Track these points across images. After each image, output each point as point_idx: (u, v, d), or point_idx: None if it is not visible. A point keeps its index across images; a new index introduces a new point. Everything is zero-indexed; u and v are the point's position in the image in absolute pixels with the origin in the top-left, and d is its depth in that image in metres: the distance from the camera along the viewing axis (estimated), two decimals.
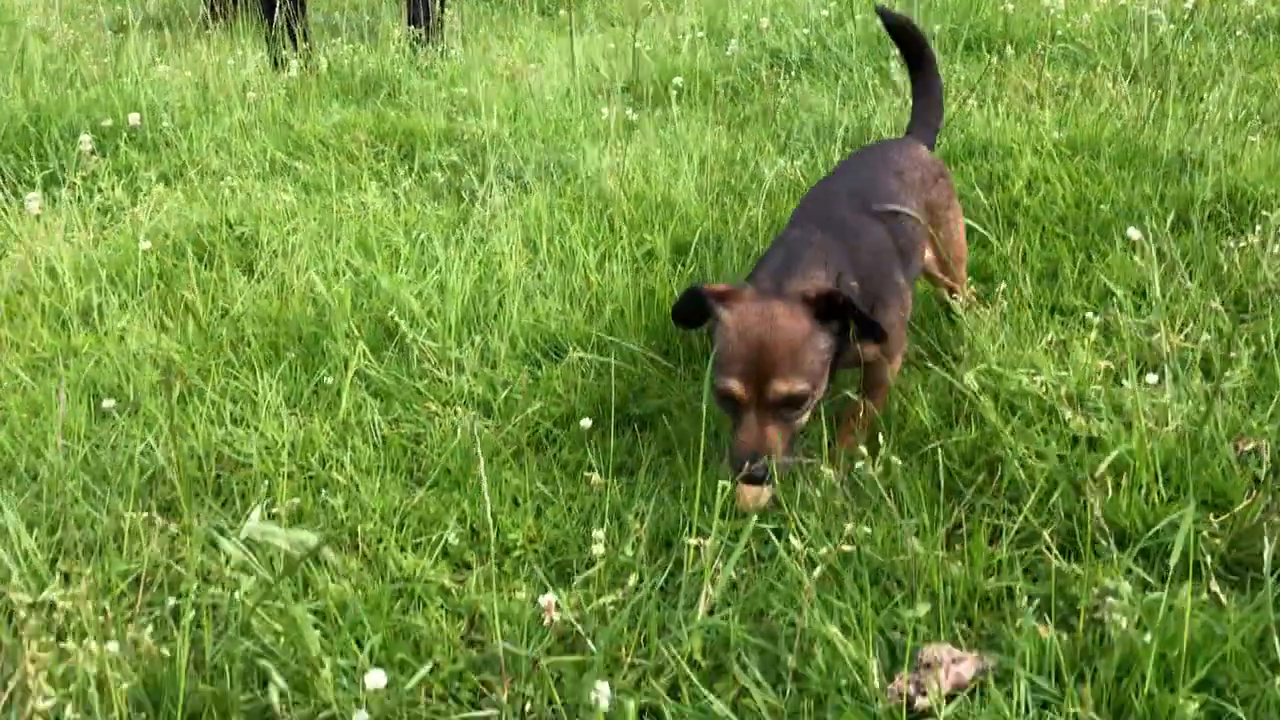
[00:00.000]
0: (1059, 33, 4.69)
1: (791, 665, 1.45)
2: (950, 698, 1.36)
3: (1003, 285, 2.37)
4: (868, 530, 1.68)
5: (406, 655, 1.55)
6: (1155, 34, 4.19)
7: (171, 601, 1.51)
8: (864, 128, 3.72)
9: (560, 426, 2.16)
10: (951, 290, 2.39)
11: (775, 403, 1.82)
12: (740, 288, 1.95)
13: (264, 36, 5.37)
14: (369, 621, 1.58)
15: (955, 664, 1.38)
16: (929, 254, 2.32)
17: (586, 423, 1.99)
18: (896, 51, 3.84)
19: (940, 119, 2.65)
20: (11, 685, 1.23)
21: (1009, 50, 4.47)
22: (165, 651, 1.38)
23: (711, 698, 1.44)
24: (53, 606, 1.44)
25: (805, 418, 1.87)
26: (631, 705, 1.37)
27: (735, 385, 1.82)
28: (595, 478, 1.91)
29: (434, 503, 1.92)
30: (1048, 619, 1.46)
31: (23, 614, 1.31)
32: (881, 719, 1.34)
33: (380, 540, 1.83)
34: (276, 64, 5.07)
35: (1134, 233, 2.39)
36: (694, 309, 1.95)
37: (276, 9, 5.19)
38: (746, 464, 1.78)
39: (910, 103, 2.71)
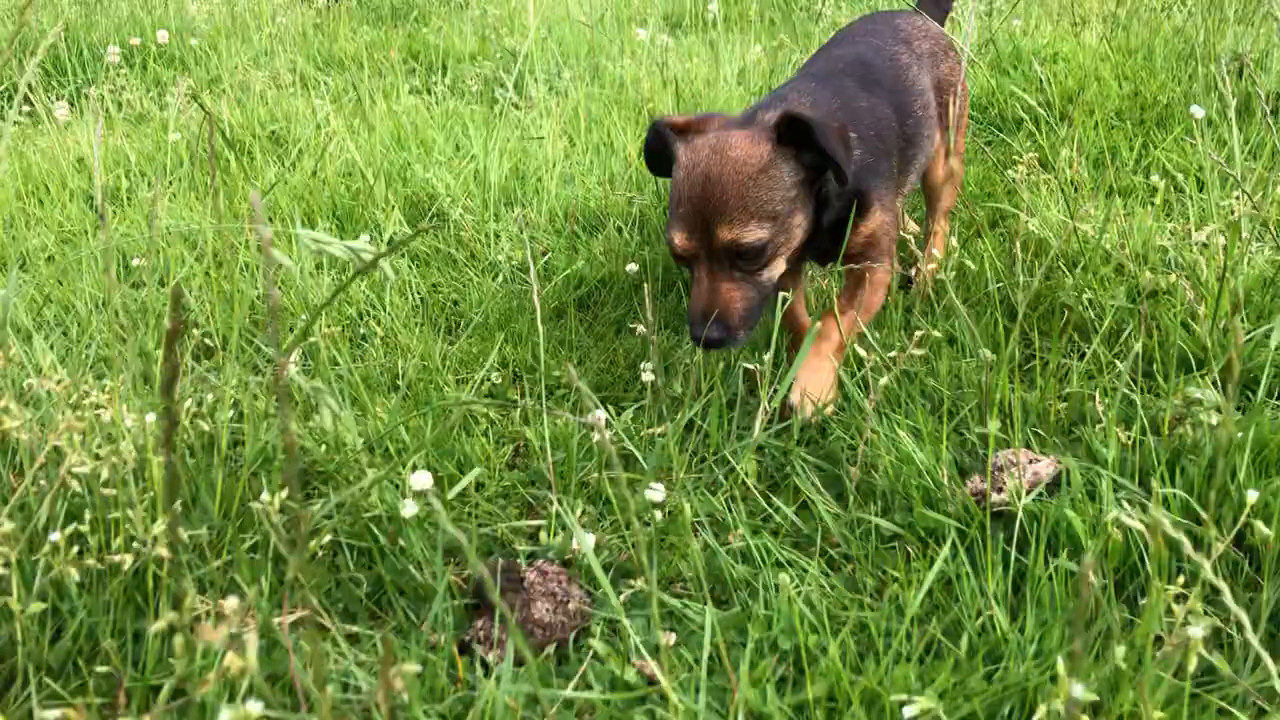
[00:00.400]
0: None
1: (855, 475, 1.38)
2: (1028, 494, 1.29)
3: (1061, 162, 2.29)
4: (928, 355, 1.60)
5: (453, 472, 1.49)
6: None
7: (210, 397, 1.45)
8: None
9: (604, 287, 2.10)
10: (932, 212, 2.08)
11: (727, 253, 1.51)
12: (705, 117, 1.66)
13: None
14: (412, 443, 1.52)
15: (1032, 464, 1.31)
16: (935, 146, 1.99)
17: (633, 267, 1.93)
18: None
19: (950, 2, 2.34)
20: (44, 452, 1.17)
21: None
22: (205, 426, 1.33)
23: (772, 508, 1.37)
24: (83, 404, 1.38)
25: (773, 271, 1.56)
26: (687, 507, 1.30)
27: (678, 236, 1.53)
28: (640, 328, 1.84)
29: (475, 346, 1.86)
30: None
31: (58, 389, 1.26)
32: (958, 515, 1.27)
33: (420, 380, 1.77)
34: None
35: (1197, 111, 2.30)
36: (661, 149, 1.65)
37: None
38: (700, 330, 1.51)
39: None
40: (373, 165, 2.62)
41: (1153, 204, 2.08)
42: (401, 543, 1.31)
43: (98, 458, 1.19)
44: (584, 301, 2.07)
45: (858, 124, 1.68)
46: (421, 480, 1.36)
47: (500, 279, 2.14)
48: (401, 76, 3.73)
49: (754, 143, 1.53)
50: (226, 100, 3.47)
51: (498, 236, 2.30)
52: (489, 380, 1.76)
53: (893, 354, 1.48)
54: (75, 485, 1.15)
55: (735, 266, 1.52)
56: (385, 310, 2.01)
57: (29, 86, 3.94)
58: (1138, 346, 1.46)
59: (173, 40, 4.18)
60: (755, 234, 1.50)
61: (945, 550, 1.19)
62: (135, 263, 2.22)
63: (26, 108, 3.79)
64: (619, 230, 2.28)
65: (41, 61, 4.09)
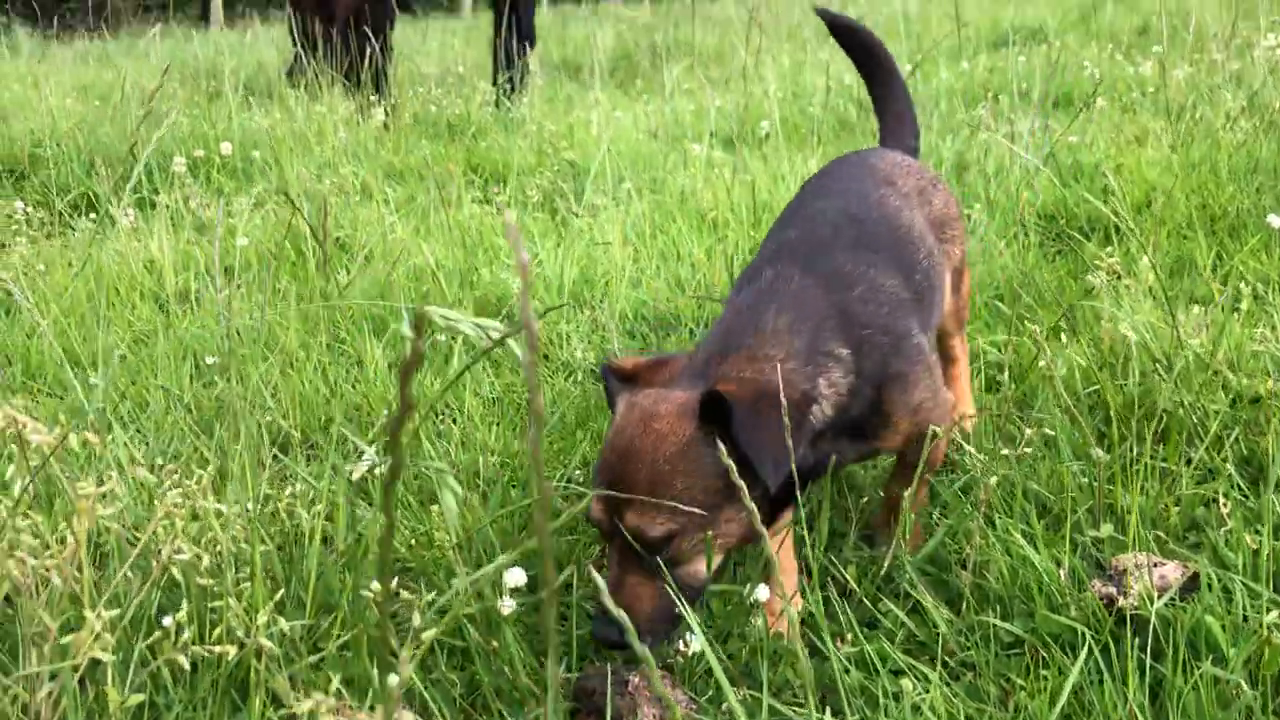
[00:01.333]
0: (1150, 90, 4.66)
1: (967, 579, 1.33)
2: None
3: (1141, 268, 2.27)
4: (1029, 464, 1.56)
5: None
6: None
7: (302, 479, 1.42)
8: (960, 159, 3.68)
9: None
10: (947, 350, 1.88)
11: (636, 539, 1.28)
12: (656, 363, 1.47)
13: (349, 90, 5.48)
14: (499, 544, 1.49)
15: (1156, 567, 1.26)
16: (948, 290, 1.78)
17: None
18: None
19: (916, 137, 2.09)
20: (144, 538, 1.15)
21: (1098, 104, 4.44)
22: (303, 513, 1.30)
23: (881, 612, 1.32)
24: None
25: (694, 567, 1.30)
26: (793, 609, 1.25)
27: (595, 506, 1.30)
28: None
29: (555, 444, 1.83)
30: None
31: (152, 476, 1.24)
32: (1084, 621, 1.21)
33: (497, 481, 1.74)
34: (362, 112, 5.17)
35: (1275, 220, 2.29)
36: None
37: (364, 61, 5.32)
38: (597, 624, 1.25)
39: (877, 121, 2.19)
40: (443, 268, 2.64)
41: (1238, 310, 2.05)
42: (496, 643, 1.27)
43: (197, 545, 1.16)
44: None
45: (865, 314, 1.46)
46: (516, 577, 1.32)
47: (575, 378, 2.12)
48: (463, 187, 3.79)
49: (678, 417, 1.33)
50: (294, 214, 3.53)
51: (568, 338, 2.29)
52: (571, 479, 1.72)
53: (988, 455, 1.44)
54: (175, 573, 1.12)
55: (644, 556, 1.29)
56: (462, 410, 2.00)
57: (95, 196, 4.04)
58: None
59: (236, 152, 4.29)
60: (662, 527, 1.27)
61: (1081, 657, 1.13)
62: (209, 361, 2.22)
63: (93, 215, 3.88)
64: (690, 333, 2.27)
65: (108, 172, 4.20)
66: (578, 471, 1.74)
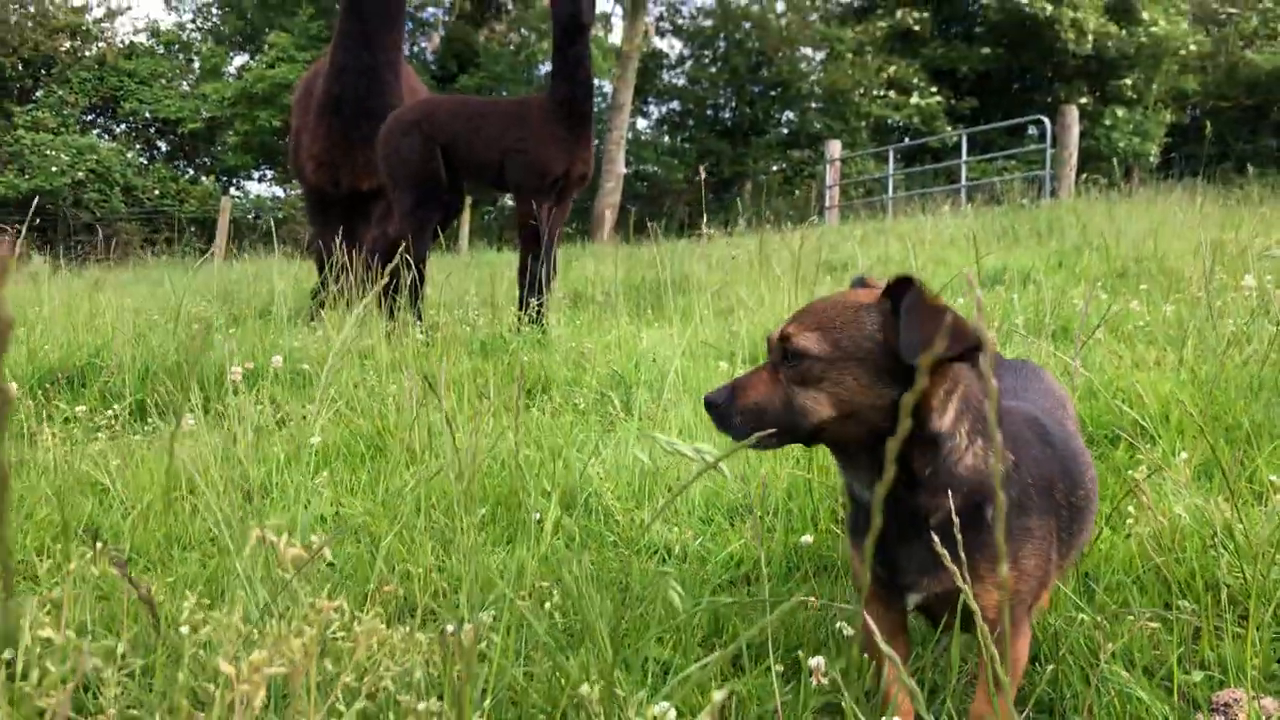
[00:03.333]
0: (1141, 323, 5.00)
1: None
2: None
3: (1178, 464, 2.46)
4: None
5: None
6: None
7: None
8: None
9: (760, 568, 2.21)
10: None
11: (781, 346, 1.50)
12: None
13: (385, 313, 5.77)
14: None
15: (1257, 700, 1.38)
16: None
17: (807, 539, 2.05)
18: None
19: None
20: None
21: (1100, 335, 4.76)
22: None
23: None
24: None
25: (811, 402, 1.46)
26: None
27: (774, 332, 1.54)
28: (812, 599, 1.94)
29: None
30: None
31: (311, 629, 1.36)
32: None
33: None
34: (402, 331, 5.44)
35: None
36: None
37: (397, 288, 5.64)
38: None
39: None
40: (520, 459, 2.81)
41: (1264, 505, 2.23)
42: None
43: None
44: (745, 580, 2.18)
45: (1033, 463, 1.49)
46: (663, 709, 1.43)
47: (657, 560, 2.25)
48: (508, 398, 4.00)
49: (868, 293, 1.53)
50: (353, 418, 3.72)
51: (647, 522, 2.43)
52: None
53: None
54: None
55: (780, 366, 1.51)
56: (558, 582, 2.12)
57: (155, 404, 4.22)
58: None
59: (286, 364, 4.50)
60: (803, 342, 1.47)
61: None
62: (314, 540, 2.34)
63: (150, 421, 4.05)
64: (762, 518, 2.42)
65: (161, 380, 4.39)
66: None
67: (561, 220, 5.78)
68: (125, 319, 6.41)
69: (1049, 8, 26.14)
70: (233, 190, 24.39)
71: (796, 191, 27.19)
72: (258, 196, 24.59)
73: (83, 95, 23.26)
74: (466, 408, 3.80)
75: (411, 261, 5.70)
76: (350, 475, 2.97)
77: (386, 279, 6.05)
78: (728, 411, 1.49)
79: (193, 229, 22.93)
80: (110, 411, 3.79)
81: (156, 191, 22.55)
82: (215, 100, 22.72)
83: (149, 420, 4.06)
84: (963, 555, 1.27)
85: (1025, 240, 12.51)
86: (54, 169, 20.75)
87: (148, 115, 23.98)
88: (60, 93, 22.72)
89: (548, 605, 1.97)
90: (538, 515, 2.37)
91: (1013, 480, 1.48)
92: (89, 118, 24.17)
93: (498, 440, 3.08)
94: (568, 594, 2.03)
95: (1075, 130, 18.98)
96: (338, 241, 7.58)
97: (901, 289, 1.44)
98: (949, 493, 1.43)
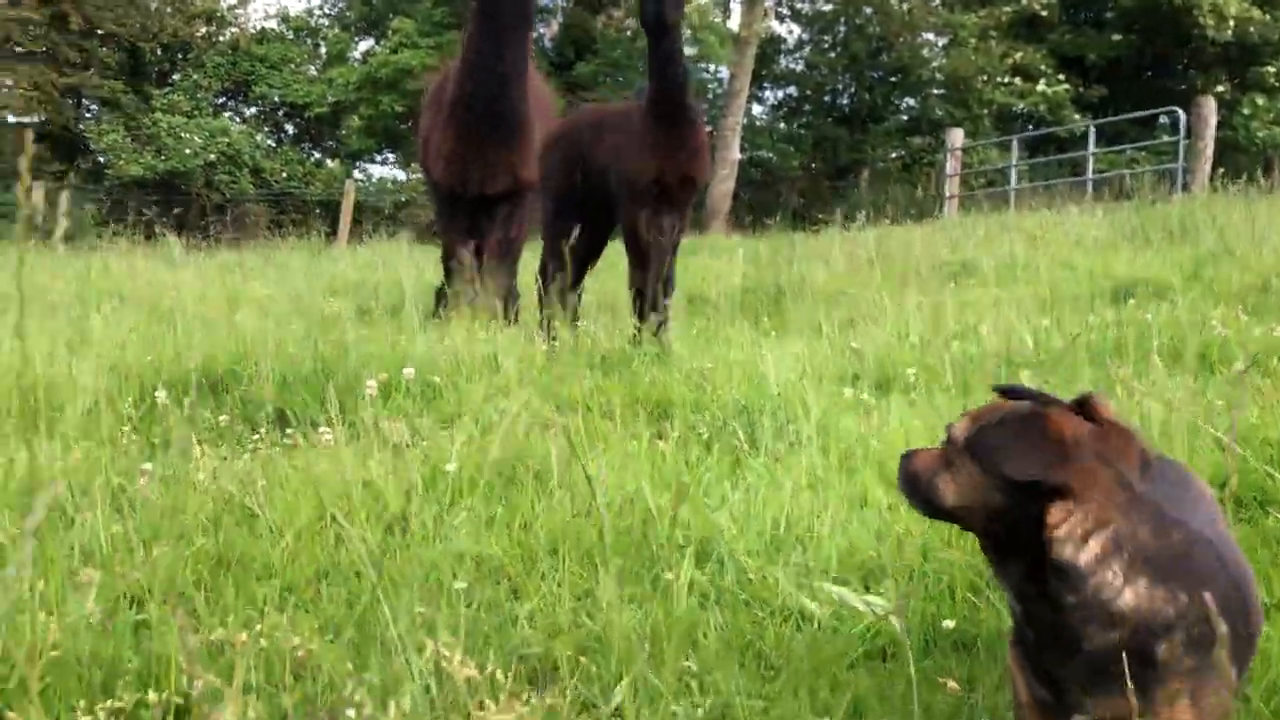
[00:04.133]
0: None
1: None
2: None
3: None
4: None
5: None
6: None
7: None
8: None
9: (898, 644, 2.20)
10: None
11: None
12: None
13: (538, 304, 5.85)
14: None
15: None
16: None
17: (949, 624, 2.03)
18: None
19: None
20: None
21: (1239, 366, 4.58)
22: None
23: None
24: None
25: (942, 479, 1.50)
26: None
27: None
28: (952, 684, 1.93)
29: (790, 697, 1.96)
30: None
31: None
32: None
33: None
34: (547, 332, 5.52)
35: None
36: None
37: (556, 281, 5.71)
38: None
39: None
40: (648, 506, 2.84)
41: None
42: None
43: None
44: (881, 655, 2.17)
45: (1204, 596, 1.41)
46: None
47: (792, 625, 2.26)
48: (629, 421, 4.04)
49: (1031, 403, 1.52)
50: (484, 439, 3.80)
51: (778, 582, 2.44)
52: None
53: None
54: None
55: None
56: (695, 643, 2.15)
57: (291, 413, 4.38)
58: None
59: (417, 376, 4.61)
60: (957, 430, 1.53)
61: None
62: (459, 585, 2.41)
63: (289, 430, 4.21)
64: (895, 582, 2.40)
65: (299, 390, 4.55)
66: None
67: (676, 229, 5.72)
68: (261, 320, 6.64)
69: None
70: (356, 173, 24.98)
71: (916, 181, 26.68)
72: (380, 179, 25.17)
73: (216, 79, 24.07)
74: (592, 433, 3.85)
75: (550, 271, 5.80)
76: (484, 506, 3.04)
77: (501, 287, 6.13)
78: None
79: (318, 211, 23.60)
80: (255, 436, 3.93)
81: (284, 174, 23.24)
82: (341, 85, 23.27)
83: (289, 429, 4.21)
84: (1131, 685, 1.24)
85: (1157, 242, 12.09)
86: (188, 151, 21.54)
87: (277, 99, 24.71)
88: (195, 77, 23.55)
89: (685, 677, 2.00)
90: (671, 573, 2.40)
91: (1188, 618, 1.41)
92: (221, 101, 25.00)
93: (625, 477, 3.12)
94: (705, 665, 2.05)
95: (1212, 122, 18.19)
96: (465, 246, 7.74)
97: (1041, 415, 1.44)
98: (1108, 626, 1.40)
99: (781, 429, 3.75)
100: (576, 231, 6.27)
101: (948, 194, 23.76)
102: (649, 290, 5.63)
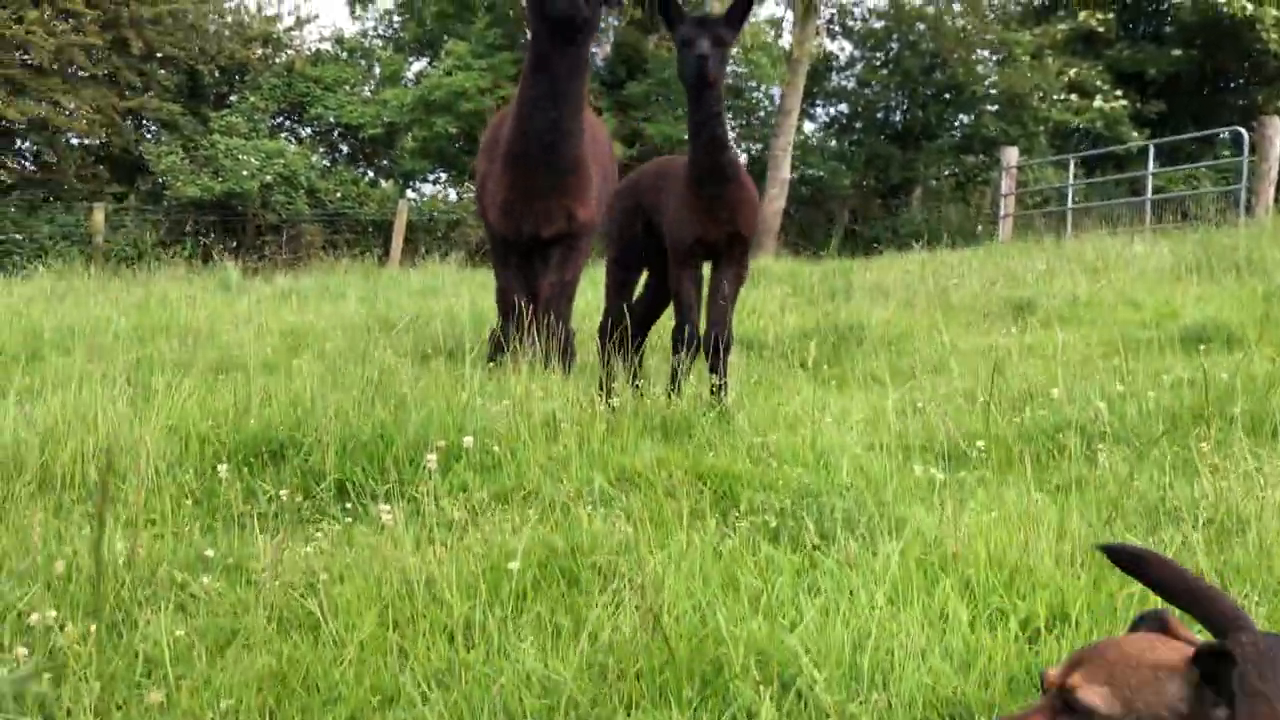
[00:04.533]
0: None
1: None
2: None
3: None
4: None
5: None
6: None
7: None
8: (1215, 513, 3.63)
9: None
10: None
11: (1066, 690, 1.38)
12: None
13: (601, 360, 5.79)
14: None
15: None
16: None
17: None
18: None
19: None
20: None
21: None
22: None
23: None
24: None
25: None
26: None
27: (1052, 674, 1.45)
28: None
29: None
30: None
31: None
32: None
33: None
34: (606, 394, 5.44)
35: None
36: None
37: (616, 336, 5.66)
38: None
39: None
40: (719, 627, 2.75)
41: None
42: None
43: None
44: None
45: None
46: None
47: None
48: (691, 504, 3.95)
49: (1169, 645, 1.41)
50: (542, 522, 3.73)
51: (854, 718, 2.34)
52: None
53: None
54: None
55: (1059, 717, 1.39)
56: None
57: (352, 484, 4.34)
58: None
59: (477, 444, 4.55)
60: (1094, 697, 1.36)
61: None
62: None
63: (348, 505, 4.17)
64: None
65: (359, 459, 4.51)
66: None
67: (731, 285, 5.60)
68: (317, 366, 6.63)
69: (1249, 7, 24.56)
70: (409, 193, 25.14)
71: (969, 199, 26.38)
72: (432, 198, 25.30)
73: (272, 101, 24.33)
74: (654, 515, 3.77)
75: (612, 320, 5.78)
76: (549, 614, 2.97)
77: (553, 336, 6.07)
78: None
79: (371, 230, 23.79)
80: (316, 515, 3.89)
81: (339, 194, 23.43)
82: (394, 106, 23.43)
83: (348, 504, 4.17)
84: None
85: (1222, 275, 11.80)
86: (245, 173, 21.76)
87: (331, 120, 24.93)
88: (252, 99, 23.81)
89: None
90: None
91: None
92: (277, 122, 25.28)
93: (692, 582, 3.03)
94: None
95: (1277, 141, 17.75)
96: (520, 289, 7.70)
97: (1217, 661, 1.30)
98: None
99: (851, 517, 3.64)
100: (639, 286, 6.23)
101: (1002, 213, 23.46)
102: (712, 337, 5.53)
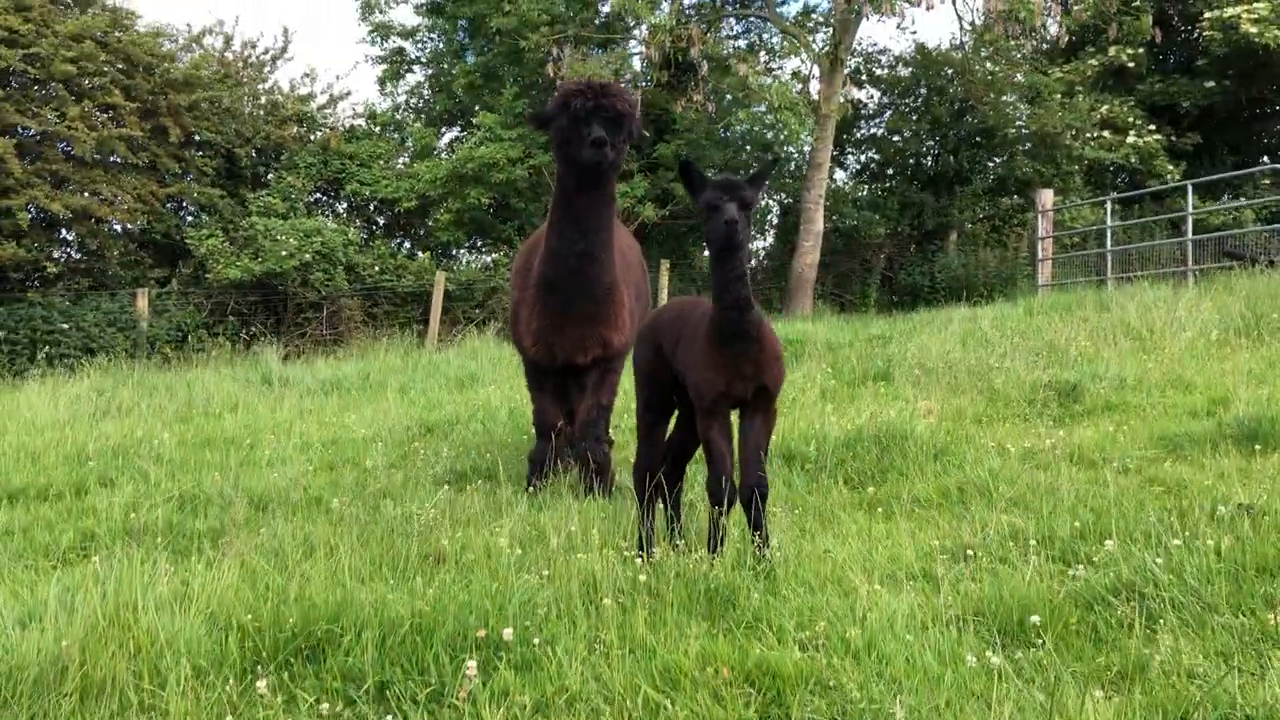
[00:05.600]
0: None
1: None
2: None
3: None
4: None
5: None
6: None
7: None
8: None
9: None
10: None
11: None
12: None
13: (641, 516, 5.66)
14: None
15: None
16: None
17: None
18: None
19: None
20: None
21: None
22: None
23: None
24: None
25: None
26: None
27: None
28: None
29: None
30: None
31: None
32: None
33: None
34: (646, 552, 5.34)
35: None
36: None
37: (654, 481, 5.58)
38: None
39: None
40: None
41: None
42: None
43: None
44: None
45: None
46: None
47: None
48: (741, 706, 3.81)
49: None
50: None
51: None
52: None
53: None
54: None
55: None
56: None
57: (389, 690, 4.24)
58: None
59: (516, 636, 4.44)
60: None
61: None
62: None
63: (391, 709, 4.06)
64: None
65: (397, 658, 4.41)
66: None
67: (762, 430, 5.46)
68: (354, 546, 6.57)
69: None
70: (446, 262, 25.31)
71: (1006, 242, 26.10)
72: (468, 264, 25.42)
73: (309, 179, 24.60)
74: None
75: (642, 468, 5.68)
76: None
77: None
78: None
79: (410, 302, 23.92)
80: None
81: (376, 268, 23.59)
82: (428, 179, 23.61)
83: (389, 715, 4.07)
84: None
85: (1270, 338, 11.53)
86: (283, 253, 21.97)
87: (366, 195, 25.16)
88: (289, 178, 24.09)
89: None
90: None
91: None
92: (313, 199, 25.56)
93: None
94: None
95: None
96: (556, 411, 7.62)
97: None
98: None
99: None
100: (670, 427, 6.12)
101: (1040, 256, 23.19)
102: (746, 498, 5.38)
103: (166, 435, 10.53)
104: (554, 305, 7.13)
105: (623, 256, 7.58)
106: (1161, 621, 4.30)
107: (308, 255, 22.09)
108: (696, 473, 6.96)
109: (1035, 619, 4.33)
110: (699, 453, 6.05)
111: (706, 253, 5.38)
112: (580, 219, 6.86)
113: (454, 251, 25.95)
